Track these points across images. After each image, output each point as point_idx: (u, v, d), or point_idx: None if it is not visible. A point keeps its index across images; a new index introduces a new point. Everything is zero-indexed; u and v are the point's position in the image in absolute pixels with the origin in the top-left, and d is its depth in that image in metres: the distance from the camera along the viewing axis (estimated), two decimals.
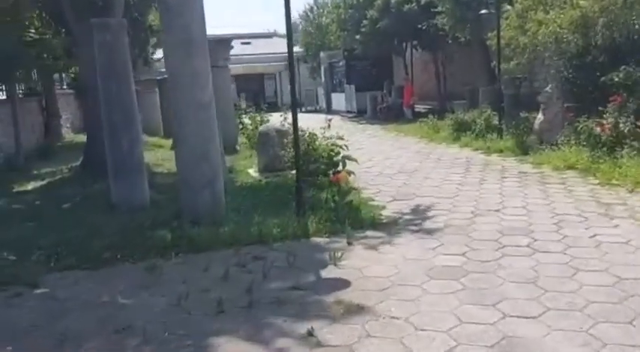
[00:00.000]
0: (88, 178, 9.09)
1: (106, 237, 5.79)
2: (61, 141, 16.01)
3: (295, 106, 6.43)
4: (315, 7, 34.28)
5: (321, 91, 30.13)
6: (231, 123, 13.77)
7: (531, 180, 8.02)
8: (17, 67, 10.82)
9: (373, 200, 7.25)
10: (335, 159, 6.99)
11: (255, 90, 36.76)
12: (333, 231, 5.72)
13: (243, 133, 13.60)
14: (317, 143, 7.77)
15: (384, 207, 6.80)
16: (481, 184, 7.98)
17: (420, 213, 6.44)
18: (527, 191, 7.35)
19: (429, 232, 5.61)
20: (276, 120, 11.53)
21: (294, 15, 38.82)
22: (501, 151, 10.73)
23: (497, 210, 6.41)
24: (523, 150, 10.33)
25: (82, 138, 13.65)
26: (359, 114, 23.52)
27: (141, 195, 7.29)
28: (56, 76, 18.38)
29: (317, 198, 6.66)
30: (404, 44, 22.69)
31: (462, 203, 6.88)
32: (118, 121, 7.17)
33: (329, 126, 8.15)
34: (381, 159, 11.01)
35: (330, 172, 6.93)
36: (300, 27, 34.55)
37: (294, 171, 7.76)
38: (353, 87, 24.63)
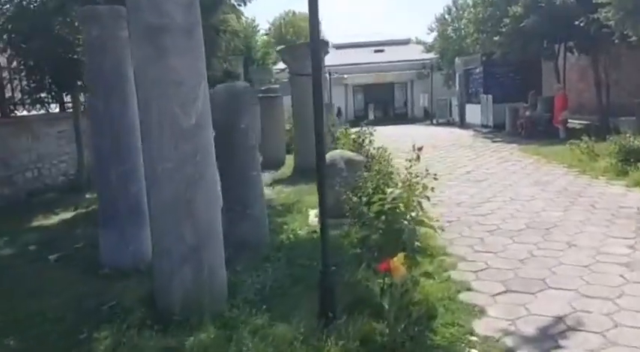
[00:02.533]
0: None
1: (30, 332, 3.77)
2: None
3: (321, 128, 3.81)
4: (454, 9, 30.79)
5: (454, 102, 26.68)
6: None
7: None
8: (79, 75, 9.47)
9: (469, 288, 4.42)
10: (396, 226, 4.16)
11: (385, 100, 34.35)
12: None
13: None
14: (390, 186, 5.06)
15: (482, 313, 3.93)
16: None
17: (547, 343, 3.48)
18: None
19: None
20: (385, 134, 9.00)
21: (432, 19, 35.86)
22: None
23: None
24: None
25: None
26: (496, 130, 19.93)
27: (134, 253, 5.19)
28: None
29: (367, 290, 3.99)
30: (556, 46, 18.70)
31: (635, 318, 3.77)
32: (105, 148, 5.14)
33: (418, 157, 5.30)
34: (505, 201, 7.90)
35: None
36: (437, 31, 31.27)
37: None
38: (490, 97, 21.09)
